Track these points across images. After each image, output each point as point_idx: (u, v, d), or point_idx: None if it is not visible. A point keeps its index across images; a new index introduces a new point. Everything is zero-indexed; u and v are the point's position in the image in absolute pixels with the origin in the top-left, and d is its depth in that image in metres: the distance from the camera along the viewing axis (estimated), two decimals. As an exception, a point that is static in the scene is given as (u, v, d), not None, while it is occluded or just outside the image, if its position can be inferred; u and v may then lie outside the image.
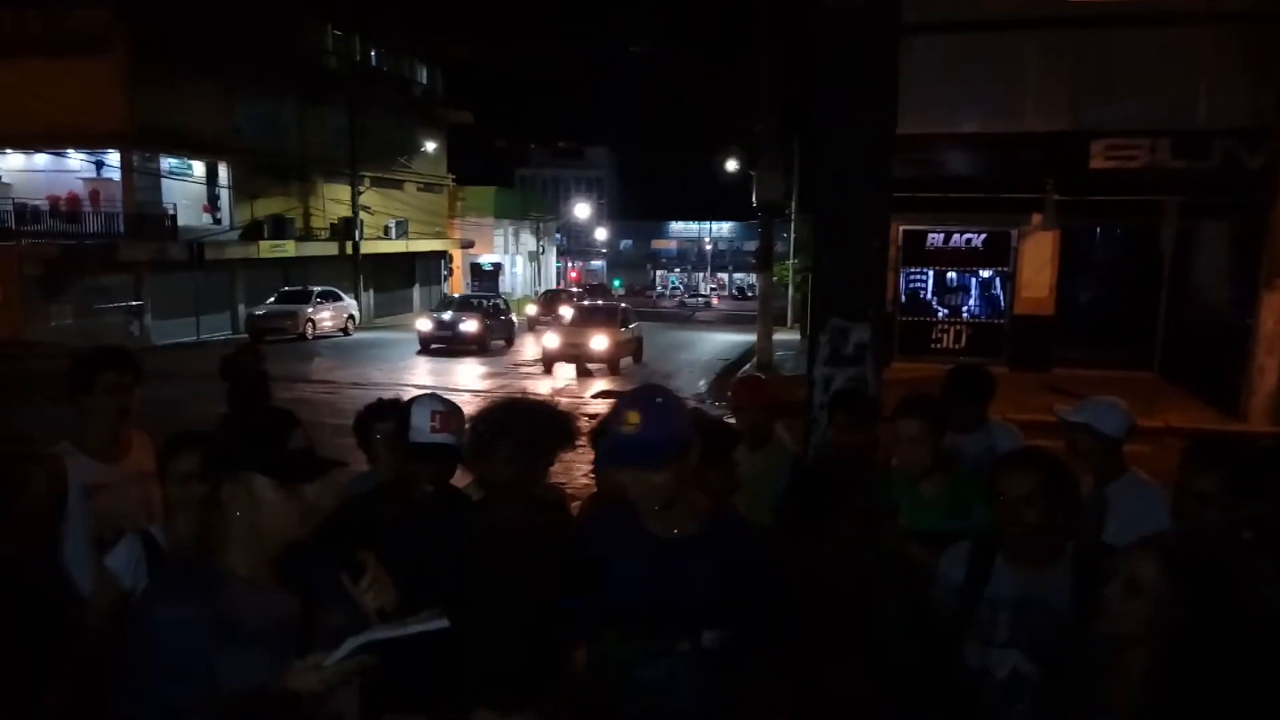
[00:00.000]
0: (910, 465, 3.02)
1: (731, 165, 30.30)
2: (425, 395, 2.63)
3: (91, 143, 24.11)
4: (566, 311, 22.67)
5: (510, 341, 25.10)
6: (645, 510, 2.06)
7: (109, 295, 22.92)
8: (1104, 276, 15.66)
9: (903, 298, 16.06)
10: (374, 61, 35.70)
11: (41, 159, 25.03)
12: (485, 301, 26.52)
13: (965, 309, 16.27)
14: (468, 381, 17.42)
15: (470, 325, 22.95)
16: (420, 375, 18.56)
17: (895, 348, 14.94)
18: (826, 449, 3.94)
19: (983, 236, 15.80)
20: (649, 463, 1.97)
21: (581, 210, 61.57)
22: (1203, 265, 14.41)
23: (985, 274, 16.04)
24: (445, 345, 22.55)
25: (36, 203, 24.33)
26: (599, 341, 18.68)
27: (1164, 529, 2.48)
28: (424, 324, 23.75)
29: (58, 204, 24.62)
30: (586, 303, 25.90)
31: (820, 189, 4.25)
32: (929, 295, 16.30)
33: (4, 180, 25.65)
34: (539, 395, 2.81)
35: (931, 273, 16.23)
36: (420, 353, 22.57)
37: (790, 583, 2.42)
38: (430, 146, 38.31)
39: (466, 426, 2.53)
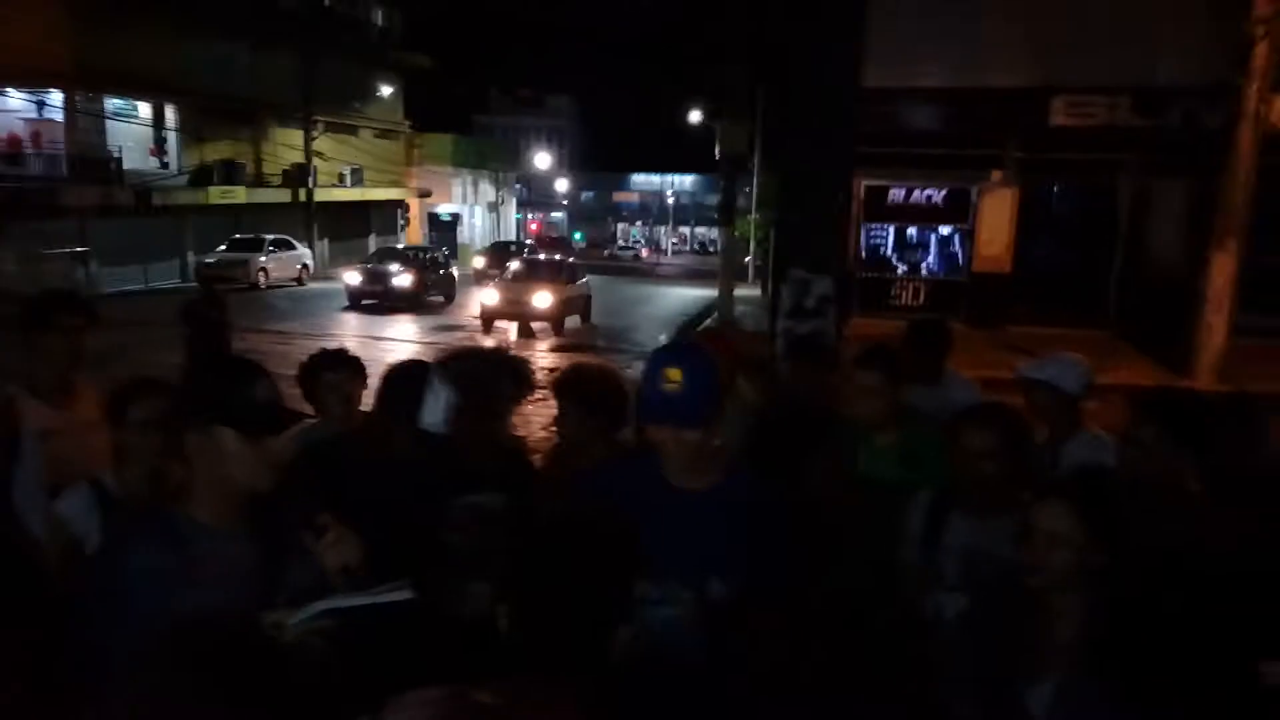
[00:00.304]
0: (867, 417, 3.02)
1: (695, 116, 30.05)
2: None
3: (32, 81, 23.16)
4: (516, 265, 21.24)
5: (450, 298, 23.80)
6: (675, 466, 2.07)
7: (52, 241, 22.20)
8: (1062, 234, 15.82)
9: (863, 253, 16.10)
10: (331, 2, 34.62)
11: (-23, 98, 24.03)
12: (422, 254, 25.04)
13: (925, 266, 16.37)
14: (393, 343, 16.32)
15: (403, 280, 21.52)
16: (345, 333, 17.35)
17: (855, 304, 15.01)
18: (787, 397, 3.93)
19: (943, 193, 15.84)
20: (690, 420, 1.99)
21: (542, 160, 60.77)
22: (1158, 224, 14.59)
23: (945, 231, 16.12)
24: (376, 301, 21.28)
25: (-28, 144, 23.41)
26: (542, 299, 17.71)
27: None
28: (352, 277, 22.13)
29: (-4, 145, 23.71)
30: (530, 256, 24.67)
31: (784, 138, 4.20)
32: (889, 251, 16.36)
33: (-62, 119, 24.63)
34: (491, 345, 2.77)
35: (892, 229, 16.27)
36: (348, 309, 21.30)
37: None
38: (387, 91, 37.39)
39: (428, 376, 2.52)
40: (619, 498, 2.01)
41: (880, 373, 3.01)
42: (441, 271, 24.38)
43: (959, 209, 15.83)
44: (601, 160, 73.20)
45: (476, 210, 43.57)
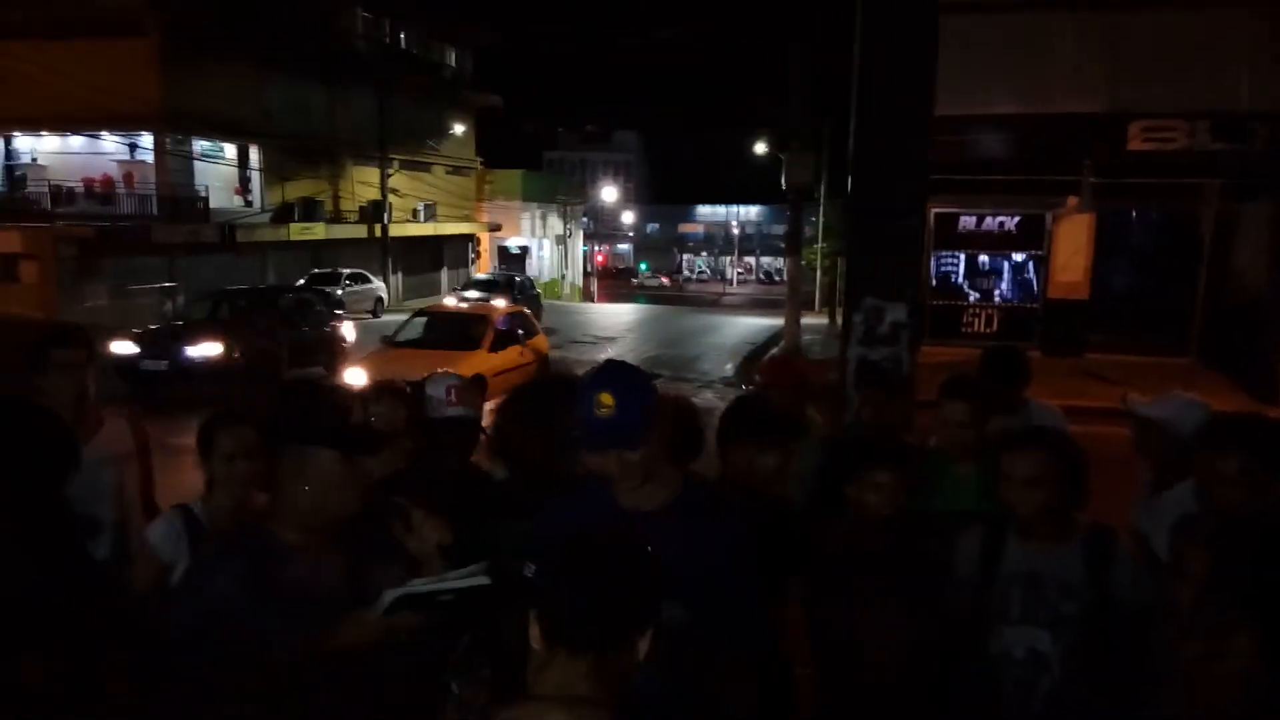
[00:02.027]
0: (954, 448, 2.99)
1: (760, 148, 30.09)
2: (437, 373, 2.65)
3: (125, 125, 24.34)
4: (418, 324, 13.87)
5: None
6: (624, 489, 2.05)
7: (143, 276, 23.19)
8: (1140, 260, 15.41)
9: (934, 281, 15.90)
10: (403, 45, 35.74)
11: (76, 141, 25.33)
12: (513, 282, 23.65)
13: (997, 293, 16.09)
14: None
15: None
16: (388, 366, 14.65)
17: (926, 331, 14.82)
18: (859, 426, 3.92)
19: (1016, 219, 15.59)
20: (627, 442, 1.97)
21: (608, 193, 61.44)
22: (1242, 249, 14.14)
23: (1018, 257, 15.84)
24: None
25: (71, 185, 24.66)
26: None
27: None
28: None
29: (92, 186, 24.94)
30: (444, 310, 16.45)
31: (857, 165, 4.22)
32: (961, 278, 16.13)
33: (40, 163, 26.02)
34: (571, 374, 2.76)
35: (963, 256, 16.05)
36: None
37: (818, 559, 2.40)
38: (459, 129, 38.36)
39: (493, 406, 2.55)
40: (575, 526, 2.03)
41: (967, 403, 2.98)
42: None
43: (1033, 235, 15.56)
44: (667, 192, 73.74)
45: (545, 243, 44.22)
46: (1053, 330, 14.90)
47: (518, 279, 25.44)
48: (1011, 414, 3.61)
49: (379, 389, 3.16)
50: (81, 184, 24.72)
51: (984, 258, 16.04)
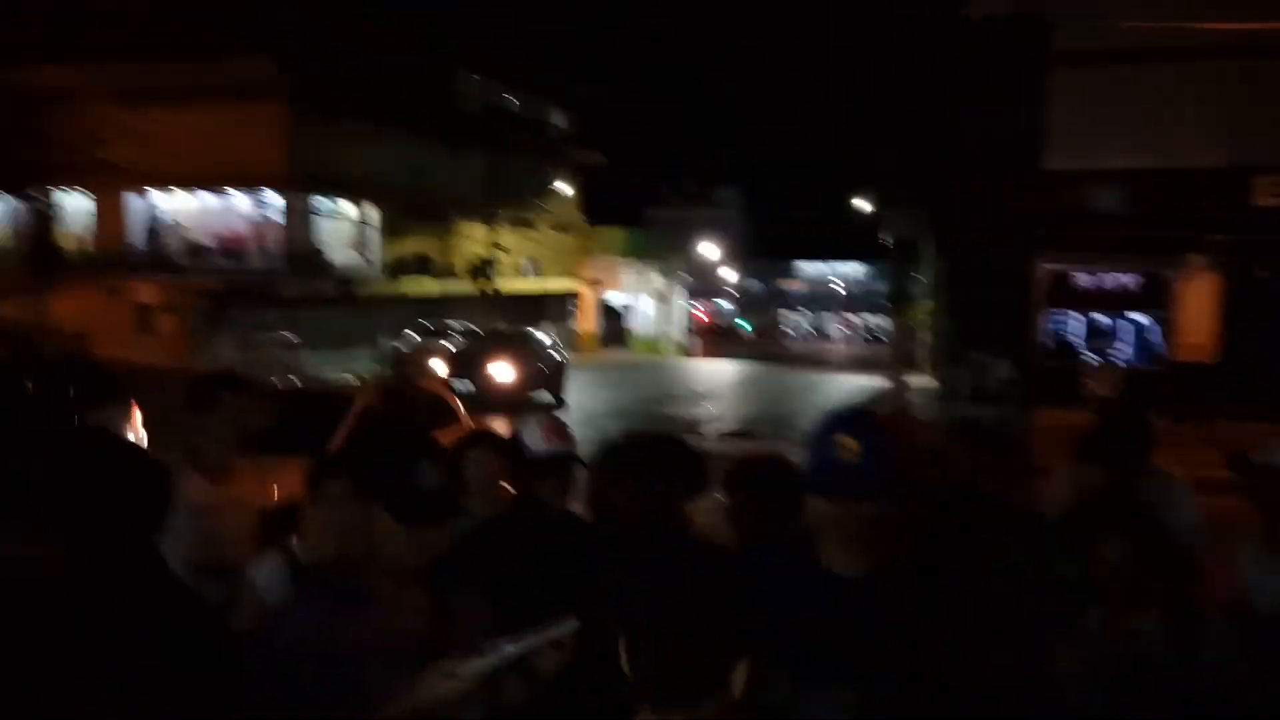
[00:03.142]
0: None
1: (863, 205, 29.88)
2: (528, 416, 2.70)
3: (254, 184, 25.89)
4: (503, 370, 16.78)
5: (558, 393, 19.10)
6: (835, 547, 1.93)
7: (266, 328, 24.42)
8: (1275, 321, 14.56)
9: (1048, 341, 15.36)
10: (513, 106, 37.08)
11: (210, 200, 27.02)
12: (524, 338, 20.68)
13: (1117, 354, 15.42)
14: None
15: (502, 373, 17.67)
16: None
17: (1041, 394, 14.30)
18: (961, 486, 3.78)
19: (1135, 278, 14.98)
20: (869, 491, 1.86)
21: (709, 251, 61.69)
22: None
23: (1139, 317, 15.18)
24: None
25: (204, 242, 26.29)
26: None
27: None
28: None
29: (224, 242, 26.53)
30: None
31: (960, 218, 4.14)
32: (1076, 339, 15.53)
33: (177, 220, 27.84)
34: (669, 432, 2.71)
35: (1079, 315, 15.47)
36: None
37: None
38: (563, 188, 39.36)
39: (593, 458, 2.53)
40: (772, 582, 1.93)
41: (1104, 467, 2.86)
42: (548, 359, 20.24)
43: (1154, 294, 14.90)
44: (768, 249, 73.65)
45: (645, 300, 44.65)
46: (1179, 395, 14.14)
47: (536, 333, 22.31)
48: (1137, 483, 3.44)
49: (477, 436, 3.26)
50: (213, 240, 26.30)
51: (1102, 317, 15.42)
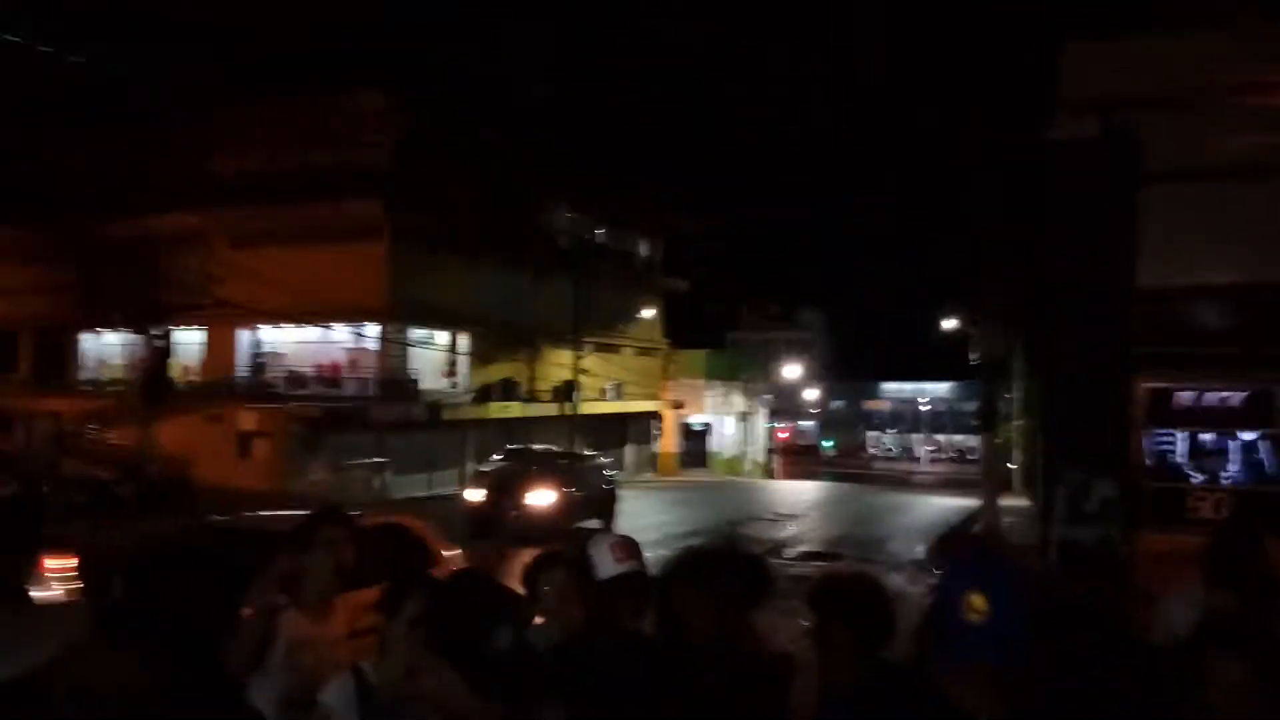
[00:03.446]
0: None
1: (950, 323, 29.61)
2: (598, 533, 2.68)
3: (355, 317, 27.13)
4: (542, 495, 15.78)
5: (609, 521, 18.04)
6: (970, 710, 1.69)
7: (357, 452, 25.11)
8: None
9: (1150, 461, 14.69)
10: (599, 237, 38.37)
11: (312, 332, 28.35)
12: (570, 460, 19.43)
13: (1225, 474, 14.63)
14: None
15: (540, 497, 16.34)
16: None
17: (1146, 517, 13.61)
18: (1064, 611, 3.62)
19: (1241, 395, 14.33)
20: (999, 657, 1.64)
21: (791, 371, 61.59)
22: None
23: (1248, 436, 14.44)
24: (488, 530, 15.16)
25: (304, 370, 27.46)
26: None
27: None
28: (473, 493, 17.49)
29: (322, 371, 27.67)
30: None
31: (1053, 327, 4.11)
32: (1181, 459, 14.82)
33: (279, 350, 29.22)
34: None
35: (1183, 434, 14.81)
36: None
37: None
38: (647, 313, 40.14)
39: (663, 570, 2.49)
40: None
41: (1233, 590, 2.70)
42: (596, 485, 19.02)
43: (1262, 411, 14.19)
44: (851, 368, 73.15)
45: (727, 420, 44.54)
46: (1296, 516, 13.29)
47: (588, 455, 21.29)
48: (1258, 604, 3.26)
49: (553, 557, 3.23)
50: (313, 369, 27.47)
51: (1207, 436, 14.73)
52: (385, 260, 26.39)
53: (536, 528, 15.33)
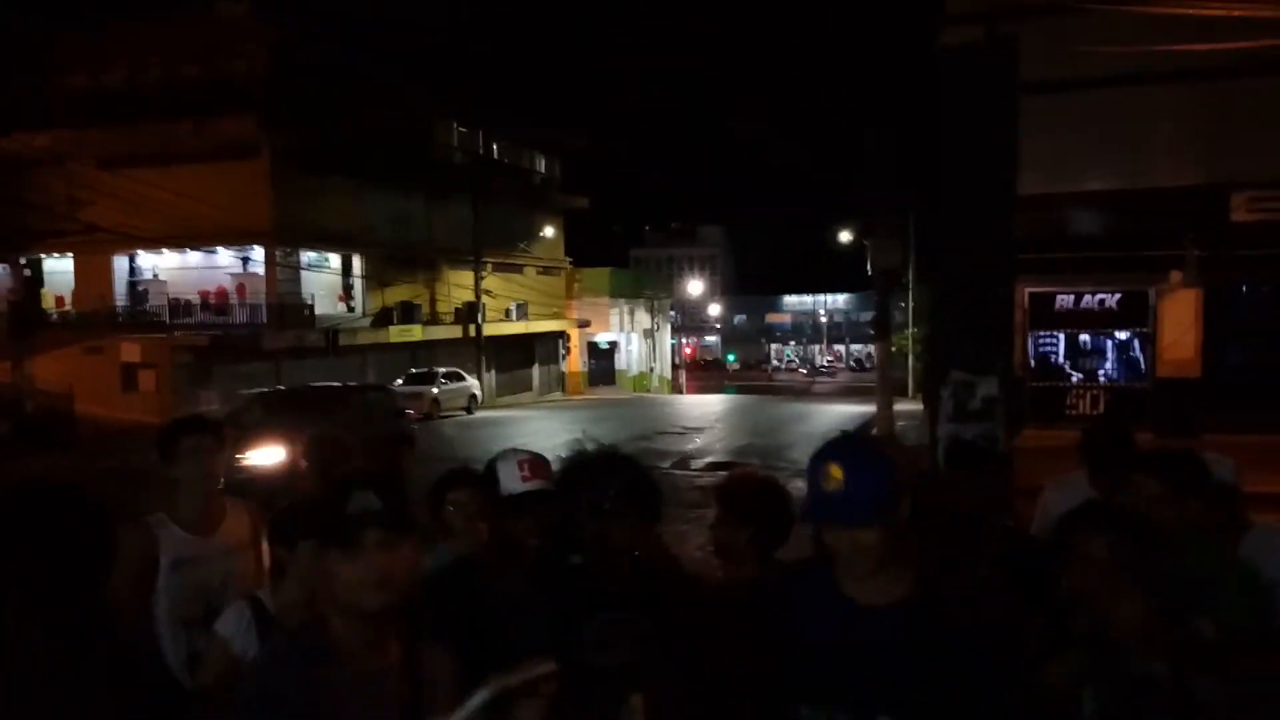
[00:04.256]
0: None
1: (845, 236, 30.16)
2: (507, 450, 2.57)
3: (239, 240, 25.94)
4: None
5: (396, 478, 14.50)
6: (847, 573, 1.90)
7: (251, 381, 24.30)
8: (1256, 335, 14.63)
9: (1033, 362, 15.39)
10: (496, 154, 37.40)
11: (194, 257, 27.04)
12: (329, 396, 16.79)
13: (1101, 373, 15.46)
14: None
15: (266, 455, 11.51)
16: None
17: (1028, 414, 14.29)
18: (946, 507, 3.75)
19: (1117, 297, 15.06)
20: (857, 519, 1.83)
21: (695, 287, 62.16)
22: (1367, 319, 13.33)
23: (1122, 336, 15.24)
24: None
25: (188, 297, 26.23)
26: None
27: None
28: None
29: (207, 298, 26.49)
30: None
31: (940, 239, 4.16)
32: (1061, 359, 15.58)
33: (160, 277, 27.82)
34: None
35: (1062, 336, 15.53)
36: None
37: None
38: (548, 231, 39.62)
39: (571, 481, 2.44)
40: (790, 611, 1.94)
41: (1161, 479, 2.70)
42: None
43: (1136, 312, 14.98)
44: (753, 284, 74.25)
45: (633, 338, 44.77)
46: (1164, 411, 14.15)
47: (365, 388, 18.83)
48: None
49: (459, 475, 3.13)
50: (198, 296, 26.27)
51: (1085, 337, 15.49)
52: (266, 180, 25.16)
53: (261, 489, 11.77)
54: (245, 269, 26.80)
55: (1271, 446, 11.77)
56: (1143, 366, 15.03)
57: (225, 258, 26.99)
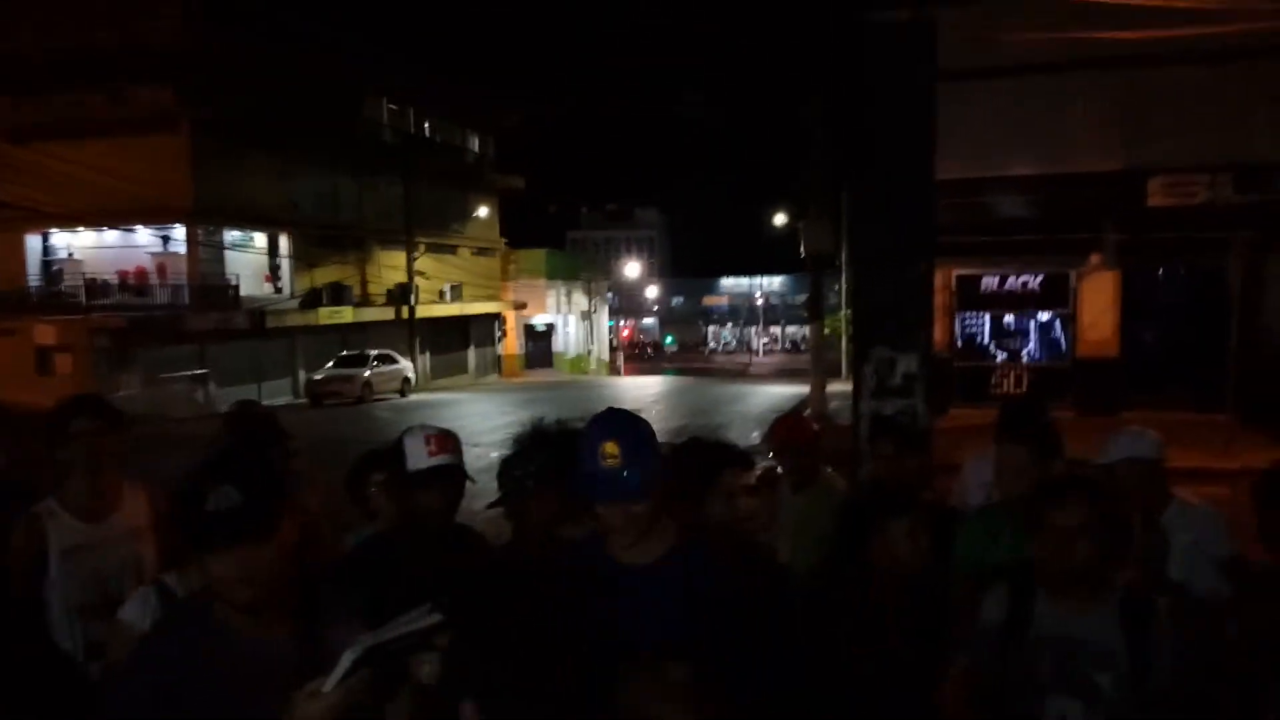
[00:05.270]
0: (1011, 493, 2.86)
1: (780, 219, 30.43)
2: (414, 426, 2.57)
3: (159, 218, 25.08)
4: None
5: None
6: (622, 542, 1.99)
7: (175, 364, 23.58)
8: (1171, 316, 15.18)
9: (959, 342, 15.76)
10: (428, 132, 36.75)
11: (111, 235, 26.06)
12: None
13: (1025, 353, 15.90)
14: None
15: None
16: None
17: (953, 394, 14.61)
18: (872, 483, 3.80)
19: (1039, 279, 15.48)
20: (635, 494, 1.91)
21: (632, 269, 62.14)
22: (1275, 301, 13.90)
23: (1044, 317, 15.68)
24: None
25: (106, 277, 25.29)
26: None
27: (1229, 552, 2.35)
28: None
29: (126, 278, 25.56)
30: None
31: (860, 212, 4.20)
32: (986, 340, 15.98)
33: (76, 256, 26.76)
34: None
35: (987, 317, 15.93)
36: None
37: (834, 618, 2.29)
38: (483, 211, 39.12)
39: (505, 463, 2.48)
40: (569, 579, 2.02)
41: (1025, 446, 2.86)
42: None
43: (1058, 294, 15.42)
44: (690, 266, 74.55)
45: (570, 320, 44.58)
46: (1084, 390, 14.63)
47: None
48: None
49: (378, 455, 3.09)
50: (116, 276, 25.34)
51: (1009, 318, 15.91)
52: (186, 155, 24.32)
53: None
54: (166, 248, 25.92)
55: (1185, 423, 12.24)
56: (1064, 346, 15.48)
57: (144, 236, 26.09)
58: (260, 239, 28.42)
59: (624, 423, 2.01)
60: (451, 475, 2.46)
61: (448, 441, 2.50)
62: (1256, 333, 14.03)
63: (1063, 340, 15.51)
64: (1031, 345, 15.85)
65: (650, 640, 1.89)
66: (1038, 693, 2.24)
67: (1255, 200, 12.70)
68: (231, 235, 26.99)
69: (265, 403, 25.19)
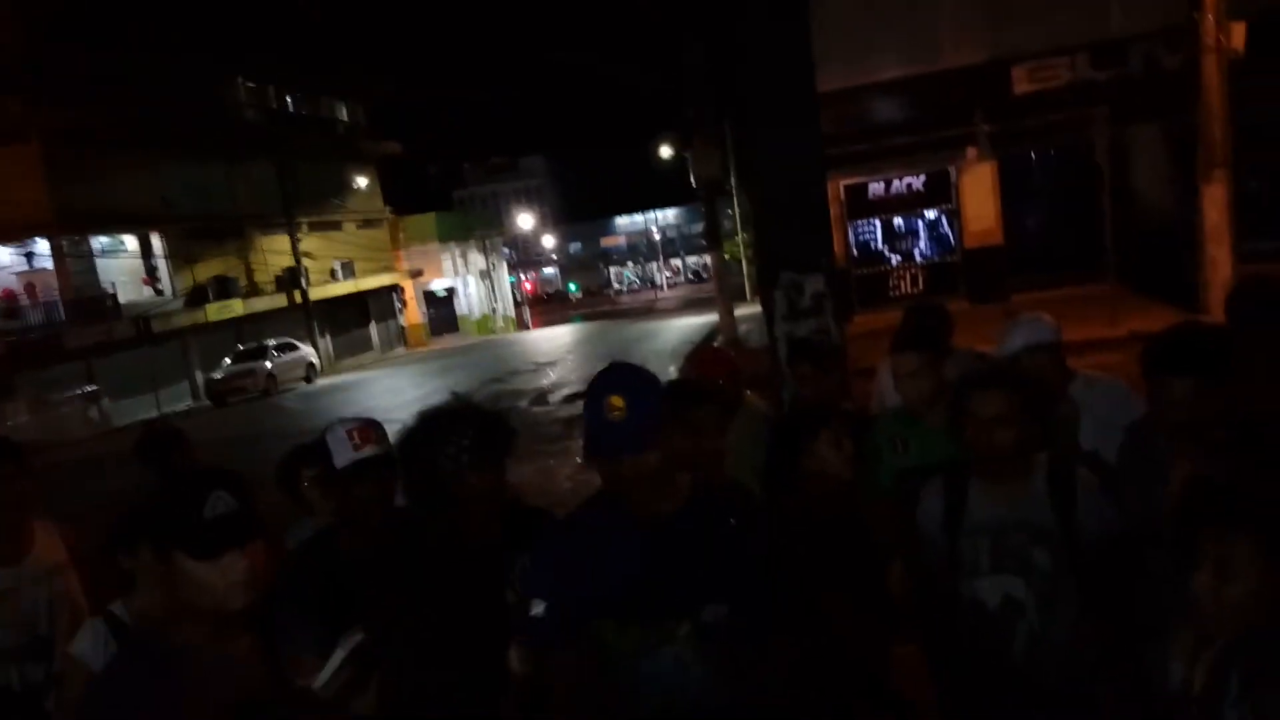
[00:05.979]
0: (915, 399, 3.00)
1: (666, 151, 30.33)
2: (333, 423, 2.53)
3: (18, 235, 23.57)
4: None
5: None
6: (636, 495, 1.98)
7: (61, 385, 22.42)
8: (1048, 198, 15.83)
9: (854, 250, 16.12)
10: (292, 107, 35.23)
11: (-32, 259, 24.43)
12: None
13: (917, 252, 16.38)
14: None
15: None
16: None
17: (855, 301, 15.00)
18: (799, 403, 3.91)
19: (922, 179, 15.90)
20: (644, 446, 1.91)
21: (525, 221, 61.29)
22: (1141, 171, 14.59)
23: (931, 215, 16.15)
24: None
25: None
26: None
27: (1136, 417, 2.48)
28: None
29: (-9, 301, 24.07)
30: None
31: (753, 145, 4.23)
32: (880, 244, 16.39)
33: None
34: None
35: (878, 222, 16.32)
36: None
37: (778, 537, 2.35)
38: (362, 182, 37.87)
39: (416, 441, 2.37)
40: (590, 542, 2.01)
41: (920, 352, 2.99)
42: None
43: (941, 191, 15.87)
44: (582, 210, 73.80)
45: (470, 281, 43.89)
46: (975, 279, 15.20)
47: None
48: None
49: (309, 450, 2.99)
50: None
51: (898, 220, 16.33)
52: (40, 165, 22.79)
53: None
54: (31, 265, 24.43)
55: (1071, 297, 12.84)
56: (952, 241, 16.00)
57: (6, 256, 24.51)
58: (132, 242, 26.98)
59: (628, 375, 1.99)
60: (381, 465, 2.42)
61: (370, 432, 2.46)
62: (1129, 202, 14.74)
63: (950, 235, 16.02)
64: (922, 244, 16.34)
65: (680, 594, 1.92)
66: (980, 576, 2.36)
67: (1113, 75, 13.21)
68: (101, 242, 25.55)
69: (164, 410, 24.28)
